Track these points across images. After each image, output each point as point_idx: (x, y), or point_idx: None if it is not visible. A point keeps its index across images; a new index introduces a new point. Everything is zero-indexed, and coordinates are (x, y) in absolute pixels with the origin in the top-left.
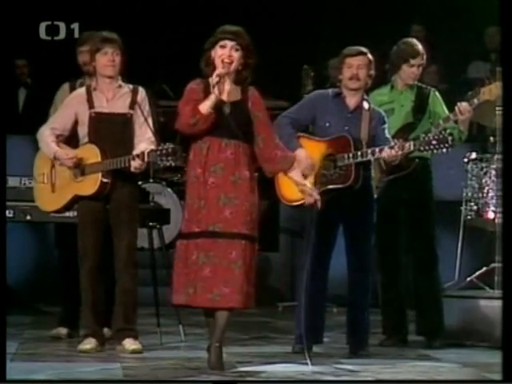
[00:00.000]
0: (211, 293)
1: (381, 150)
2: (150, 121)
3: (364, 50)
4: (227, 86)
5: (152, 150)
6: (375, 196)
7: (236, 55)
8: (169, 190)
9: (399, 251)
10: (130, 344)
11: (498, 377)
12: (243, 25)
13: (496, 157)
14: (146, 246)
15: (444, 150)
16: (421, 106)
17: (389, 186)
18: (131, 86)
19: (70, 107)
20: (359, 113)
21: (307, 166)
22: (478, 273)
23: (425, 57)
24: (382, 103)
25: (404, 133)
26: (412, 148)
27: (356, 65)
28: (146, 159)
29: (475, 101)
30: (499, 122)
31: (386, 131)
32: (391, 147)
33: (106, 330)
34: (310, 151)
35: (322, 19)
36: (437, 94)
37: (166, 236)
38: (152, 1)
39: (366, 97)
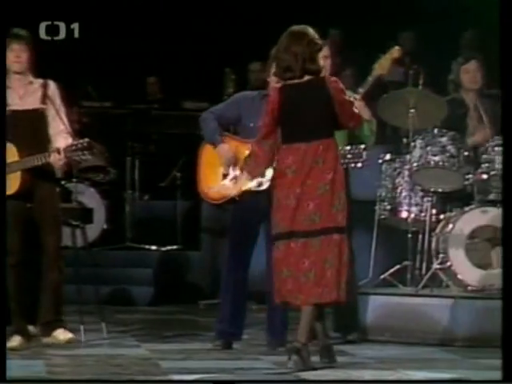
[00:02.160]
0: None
1: None
2: (62, 113)
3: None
4: None
5: (68, 145)
6: None
7: None
8: (92, 189)
9: None
10: (63, 334)
11: (414, 371)
12: (164, 27)
13: (409, 157)
14: (70, 244)
15: (359, 164)
16: None
17: None
18: (41, 81)
19: None
20: None
21: (228, 160)
22: (391, 270)
23: (329, 50)
24: None
25: None
26: None
27: (322, 56)
28: (62, 154)
29: (369, 79)
30: (411, 124)
31: None
32: None
33: (31, 327)
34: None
35: (243, 23)
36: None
37: (89, 235)
38: None
39: None
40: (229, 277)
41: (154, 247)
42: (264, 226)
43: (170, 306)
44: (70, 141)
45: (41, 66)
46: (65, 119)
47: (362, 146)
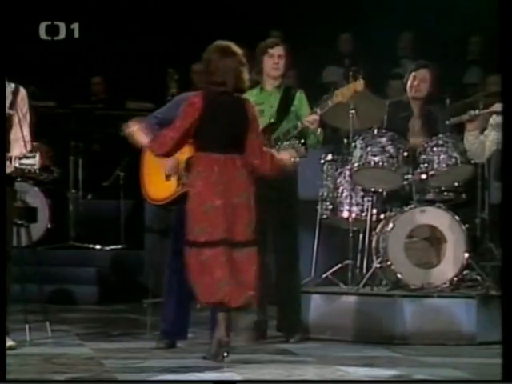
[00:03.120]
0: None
1: None
2: (25, 121)
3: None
4: None
5: (17, 155)
6: None
7: None
8: (36, 188)
9: (264, 250)
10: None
11: (353, 370)
12: (107, 26)
13: (349, 158)
14: (14, 243)
15: (297, 159)
16: (285, 107)
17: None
18: (13, 86)
19: None
20: None
21: (171, 166)
22: (332, 269)
23: (284, 49)
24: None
25: (266, 133)
26: None
27: (277, 54)
28: (13, 163)
29: (329, 103)
30: (351, 125)
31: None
32: None
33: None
34: None
35: (186, 23)
36: (303, 95)
37: (33, 234)
38: None
39: None
40: (172, 277)
41: (97, 246)
42: None
43: (114, 305)
44: (24, 150)
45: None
46: (26, 128)
47: (301, 142)
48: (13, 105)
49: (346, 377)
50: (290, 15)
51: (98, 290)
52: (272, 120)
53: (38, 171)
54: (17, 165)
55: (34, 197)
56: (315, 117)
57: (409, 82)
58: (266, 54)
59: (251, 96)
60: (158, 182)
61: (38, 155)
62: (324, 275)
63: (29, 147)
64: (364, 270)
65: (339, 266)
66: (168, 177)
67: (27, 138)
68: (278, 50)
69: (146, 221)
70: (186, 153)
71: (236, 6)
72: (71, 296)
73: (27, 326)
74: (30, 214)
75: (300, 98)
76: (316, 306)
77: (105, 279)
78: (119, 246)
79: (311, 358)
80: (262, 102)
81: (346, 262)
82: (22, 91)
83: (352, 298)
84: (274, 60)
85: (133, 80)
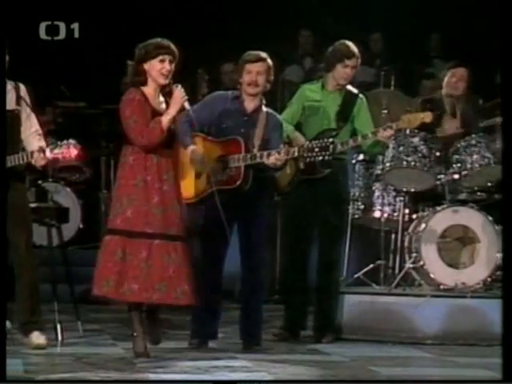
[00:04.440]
0: (175, 291)
1: (268, 154)
2: (33, 115)
3: (263, 55)
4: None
5: (52, 144)
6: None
7: (172, 68)
8: (67, 189)
9: (309, 250)
10: (36, 338)
11: (384, 370)
12: (135, 28)
13: (381, 158)
14: (45, 243)
15: (326, 157)
16: (345, 112)
17: (302, 186)
18: (13, 83)
19: None
20: (256, 116)
21: (198, 163)
22: (364, 270)
23: (359, 60)
24: (309, 99)
25: (323, 137)
26: (296, 154)
27: (255, 71)
28: (47, 154)
29: (394, 126)
30: (383, 124)
31: (281, 137)
32: (278, 152)
33: (7, 323)
34: (205, 151)
35: (216, 23)
36: (364, 100)
37: (65, 234)
38: None
39: (264, 101)
40: (203, 276)
41: None
42: (237, 225)
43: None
44: (43, 142)
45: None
46: (35, 121)
47: (330, 140)
48: (18, 100)
49: (377, 377)
50: (319, 16)
51: None
52: (332, 125)
53: (73, 159)
54: (50, 154)
55: (66, 197)
56: (389, 132)
57: (446, 79)
58: (341, 62)
59: (311, 91)
60: (189, 180)
61: (72, 144)
62: (356, 275)
63: (44, 139)
64: (396, 271)
65: (371, 266)
66: (198, 175)
67: (40, 131)
68: (352, 62)
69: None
70: (217, 152)
71: (265, 6)
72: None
73: (58, 326)
74: (62, 215)
75: (360, 105)
76: (348, 306)
77: None
78: None
79: (344, 358)
80: (319, 100)
81: (378, 262)
82: (22, 86)
83: (384, 299)
84: (347, 71)
85: None
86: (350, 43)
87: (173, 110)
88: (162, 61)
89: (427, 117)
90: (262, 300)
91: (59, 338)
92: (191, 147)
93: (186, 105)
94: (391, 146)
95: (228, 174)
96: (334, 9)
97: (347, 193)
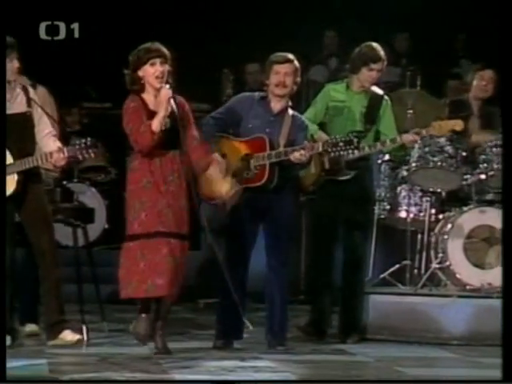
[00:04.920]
0: (174, 287)
1: (292, 151)
2: (45, 116)
3: (291, 57)
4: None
5: (71, 145)
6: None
7: (165, 69)
8: (93, 189)
9: (334, 251)
10: (70, 336)
11: (409, 371)
12: (165, 29)
13: (407, 158)
14: (71, 244)
15: (350, 151)
16: (372, 114)
17: (327, 186)
18: (20, 85)
19: None
20: (282, 117)
21: (221, 169)
22: (390, 270)
23: (385, 63)
24: (334, 99)
25: None
26: (320, 149)
27: (283, 72)
28: (66, 153)
29: (423, 132)
30: (409, 125)
31: (307, 136)
32: (302, 148)
33: (32, 326)
34: (230, 152)
35: (241, 24)
36: (389, 102)
37: (90, 234)
38: None
39: (290, 103)
40: (227, 276)
41: None
42: (263, 224)
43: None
44: (58, 143)
45: (40, 67)
46: (48, 122)
47: (354, 134)
48: (29, 102)
49: (403, 377)
50: (344, 16)
51: None
52: (359, 127)
53: (92, 158)
54: (68, 153)
55: (91, 197)
56: (416, 138)
57: (475, 83)
58: (366, 66)
59: (336, 91)
60: (214, 181)
61: (89, 142)
62: (382, 276)
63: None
64: (422, 271)
65: (397, 266)
66: (224, 175)
67: (54, 132)
68: (378, 65)
69: (202, 220)
70: (242, 151)
71: (290, 6)
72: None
73: (84, 326)
74: (87, 215)
75: (385, 106)
76: (374, 306)
77: None
78: None
79: (369, 359)
80: (344, 100)
81: (404, 262)
82: (31, 89)
83: (410, 299)
84: (372, 74)
85: (189, 81)
86: (376, 46)
87: (161, 112)
88: (153, 64)
89: (458, 125)
90: (286, 300)
91: (85, 338)
92: (214, 155)
93: (172, 103)
94: (417, 146)
95: (253, 172)
96: (358, 9)
97: (372, 193)
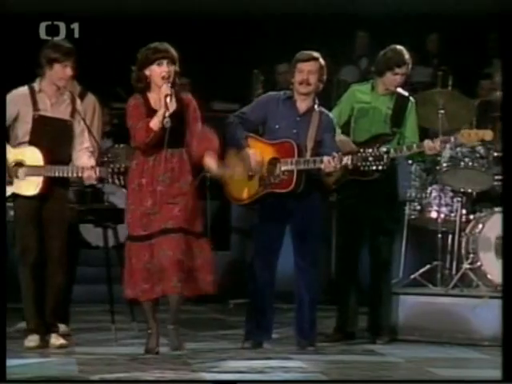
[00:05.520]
0: (171, 281)
1: (321, 161)
2: (90, 130)
3: (316, 55)
4: (169, 99)
5: (104, 167)
6: (332, 196)
7: (172, 69)
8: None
9: (359, 251)
10: (55, 339)
11: (440, 371)
12: (192, 29)
13: (438, 158)
14: (102, 244)
15: (380, 167)
16: (398, 116)
17: (352, 186)
18: (70, 94)
19: (14, 105)
20: (309, 117)
21: (255, 164)
22: (421, 270)
23: (410, 66)
24: (359, 101)
25: (377, 142)
26: (349, 162)
27: (307, 70)
28: (97, 174)
29: (452, 139)
30: (441, 125)
31: (334, 137)
32: (330, 159)
33: (63, 326)
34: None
35: (271, 24)
36: (414, 104)
37: (121, 235)
38: None
39: (317, 101)
40: (256, 277)
41: None
42: (290, 225)
43: (200, 306)
44: (92, 160)
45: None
46: (91, 137)
47: (384, 149)
48: (73, 112)
49: (434, 378)
50: (376, 16)
51: None
52: (385, 130)
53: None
54: (103, 175)
55: (122, 198)
56: (436, 146)
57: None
58: (391, 70)
59: (361, 92)
60: (242, 182)
61: (125, 167)
62: (412, 276)
63: (94, 157)
64: (453, 272)
65: (428, 267)
66: (251, 177)
67: (91, 148)
68: (402, 70)
69: (231, 221)
70: (268, 153)
71: (321, 7)
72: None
73: (113, 326)
74: (118, 215)
75: (411, 109)
76: (404, 307)
77: None
78: None
79: (399, 359)
80: (369, 102)
81: (435, 263)
82: (78, 101)
83: (441, 300)
84: (396, 78)
85: (219, 81)
86: (401, 49)
87: (160, 110)
88: (160, 64)
89: (488, 135)
90: (316, 301)
91: (115, 338)
92: (251, 151)
93: (168, 101)
94: (448, 146)
95: (280, 177)
96: (389, 9)
97: (398, 193)
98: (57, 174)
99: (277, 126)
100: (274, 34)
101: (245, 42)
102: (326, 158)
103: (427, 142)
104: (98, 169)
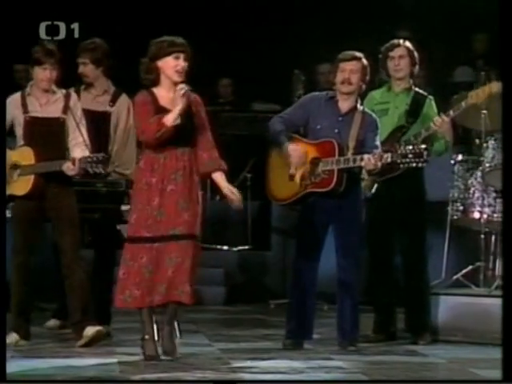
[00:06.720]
0: (176, 290)
1: (361, 159)
2: (82, 125)
3: (358, 55)
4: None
5: (83, 157)
6: (366, 196)
7: (186, 66)
8: None
9: (391, 250)
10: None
11: (483, 372)
12: (233, 30)
13: (481, 158)
14: None
15: (420, 164)
16: (415, 111)
17: (382, 187)
18: (64, 91)
19: (8, 111)
20: (351, 117)
21: (297, 159)
22: (463, 271)
23: (405, 49)
24: (377, 102)
25: (395, 136)
26: (389, 160)
27: (348, 69)
28: (76, 165)
29: (463, 104)
30: (483, 125)
31: (377, 137)
32: (371, 157)
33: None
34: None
35: (312, 24)
36: (433, 102)
37: None
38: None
39: (359, 101)
40: (297, 277)
41: (225, 247)
42: (332, 225)
43: (241, 306)
44: (86, 153)
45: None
46: (84, 131)
47: (423, 146)
48: (65, 109)
49: (477, 379)
50: (418, 15)
51: (226, 291)
52: (402, 123)
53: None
54: (82, 165)
55: None
56: (444, 119)
57: None
58: (387, 57)
59: (378, 94)
60: (282, 182)
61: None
62: (455, 277)
63: (89, 151)
64: (496, 272)
65: (470, 267)
66: (292, 177)
67: (87, 142)
68: (398, 51)
69: (272, 221)
70: (310, 153)
71: (363, 6)
72: (199, 296)
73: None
74: None
75: (429, 105)
76: (446, 307)
77: (232, 280)
78: (246, 247)
79: (441, 360)
80: (386, 102)
81: (478, 263)
82: (74, 96)
83: (484, 300)
84: (395, 62)
85: (260, 82)
86: (395, 40)
87: (177, 107)
88: (177, 58)
89: (494, 86)
90: (357, 301)
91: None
92: (292, 146)
93: (183, 99)
94: (491, 146)
95: (321, 176)
96: (437, 9)
97: (423, 192)
98: (41, 170)
99: (318, 127)
100: (316, 33)
101: (285, 42)
102: (366, 156)
103: (436, 119)
104: (77, 160)
